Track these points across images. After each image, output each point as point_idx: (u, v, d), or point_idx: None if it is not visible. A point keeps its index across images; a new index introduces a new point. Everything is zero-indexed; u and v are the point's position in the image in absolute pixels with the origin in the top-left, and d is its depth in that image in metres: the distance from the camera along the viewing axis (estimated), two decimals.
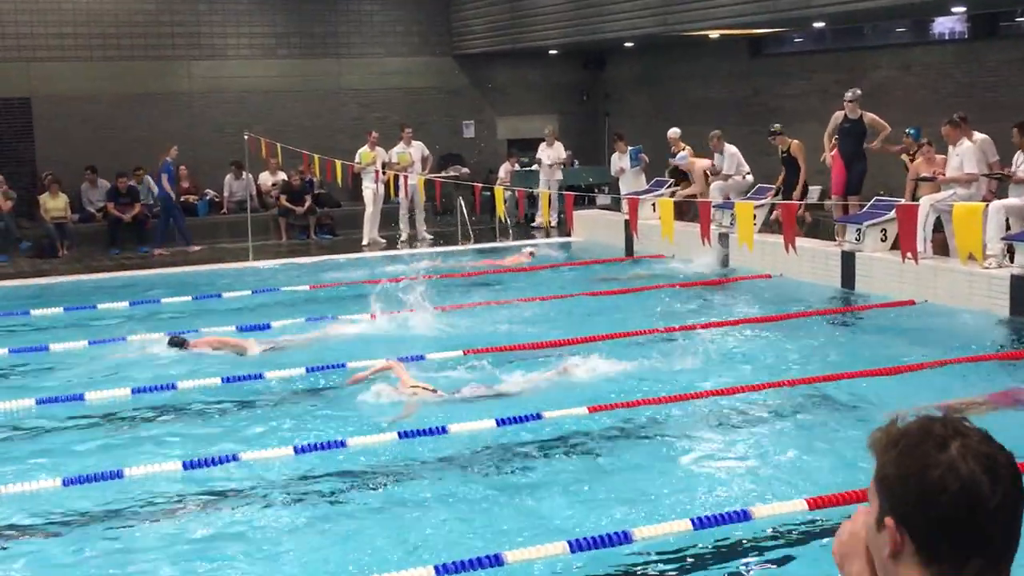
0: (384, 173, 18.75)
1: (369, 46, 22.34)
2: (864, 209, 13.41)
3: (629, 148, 18.89)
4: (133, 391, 9.03)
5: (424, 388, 8.49)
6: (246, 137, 17.79)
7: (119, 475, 6.99)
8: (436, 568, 5.41)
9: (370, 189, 18.90)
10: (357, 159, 18.92)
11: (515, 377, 9.03)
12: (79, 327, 12.03)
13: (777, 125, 15.42)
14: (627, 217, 15.82)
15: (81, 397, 8.90)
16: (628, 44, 20.68)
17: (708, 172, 16.64)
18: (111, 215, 18.91)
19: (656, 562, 5.78)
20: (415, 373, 8.97)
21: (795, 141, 15.00)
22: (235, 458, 7.30)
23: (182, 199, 20.13)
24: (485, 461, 7.35)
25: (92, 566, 5.99)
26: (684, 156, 16.99)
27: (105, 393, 8.98)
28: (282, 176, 20.22)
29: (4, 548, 6.23)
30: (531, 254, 16.13)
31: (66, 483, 6.88)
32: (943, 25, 16.34)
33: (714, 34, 18.12)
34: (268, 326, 11.47)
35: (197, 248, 18.50)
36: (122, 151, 19.72)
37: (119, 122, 20.18)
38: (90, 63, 20.18)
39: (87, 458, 7.60)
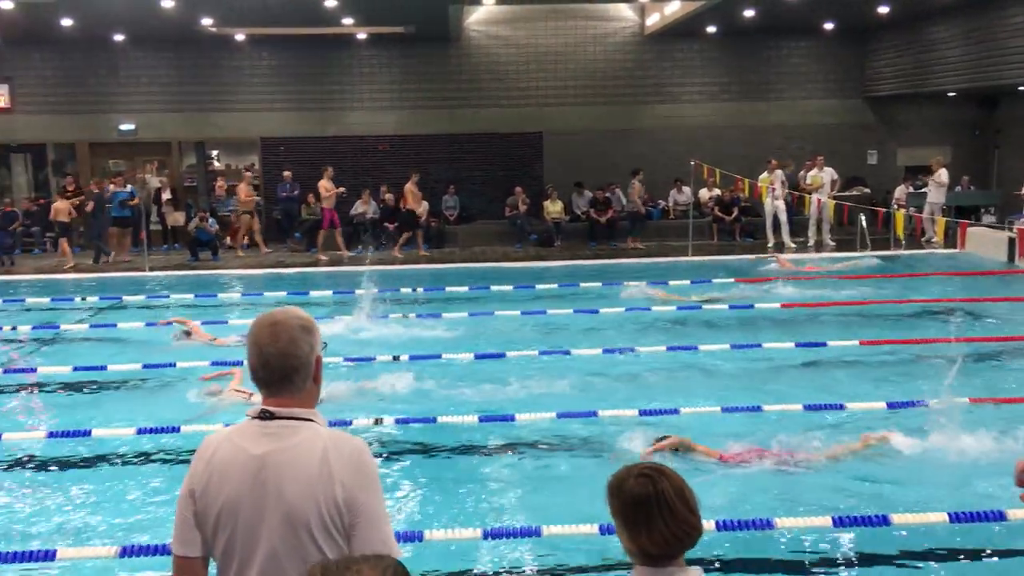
0: (785, 191, 17.84)
1: (793, 91, 21.14)
2: None
3: None
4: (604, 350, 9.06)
5: (241, 392, 7.48)
6: (692, 163, 17.50)
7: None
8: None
9: (770, 204, 18.08)
10: (759, 182, 18.01)
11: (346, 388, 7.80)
12: (567, 299, 12.41)
13: None
14: (1012, 235, 13.74)
15: (568, 352, 9.12)
16: (1022, 88, 17.84)
17: None
18: (591, 218, 19.47)
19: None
20: None
21: None
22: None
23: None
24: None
25: None
26: None
27: (585, 351, 9.07)
28: (716, 192, 19.73)
29: None
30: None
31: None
32: None
33: None
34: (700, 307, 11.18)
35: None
36: (601, 171, 20.17)
37: (599, 149, 20.65)
38: (583, 107, 20.80)
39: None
